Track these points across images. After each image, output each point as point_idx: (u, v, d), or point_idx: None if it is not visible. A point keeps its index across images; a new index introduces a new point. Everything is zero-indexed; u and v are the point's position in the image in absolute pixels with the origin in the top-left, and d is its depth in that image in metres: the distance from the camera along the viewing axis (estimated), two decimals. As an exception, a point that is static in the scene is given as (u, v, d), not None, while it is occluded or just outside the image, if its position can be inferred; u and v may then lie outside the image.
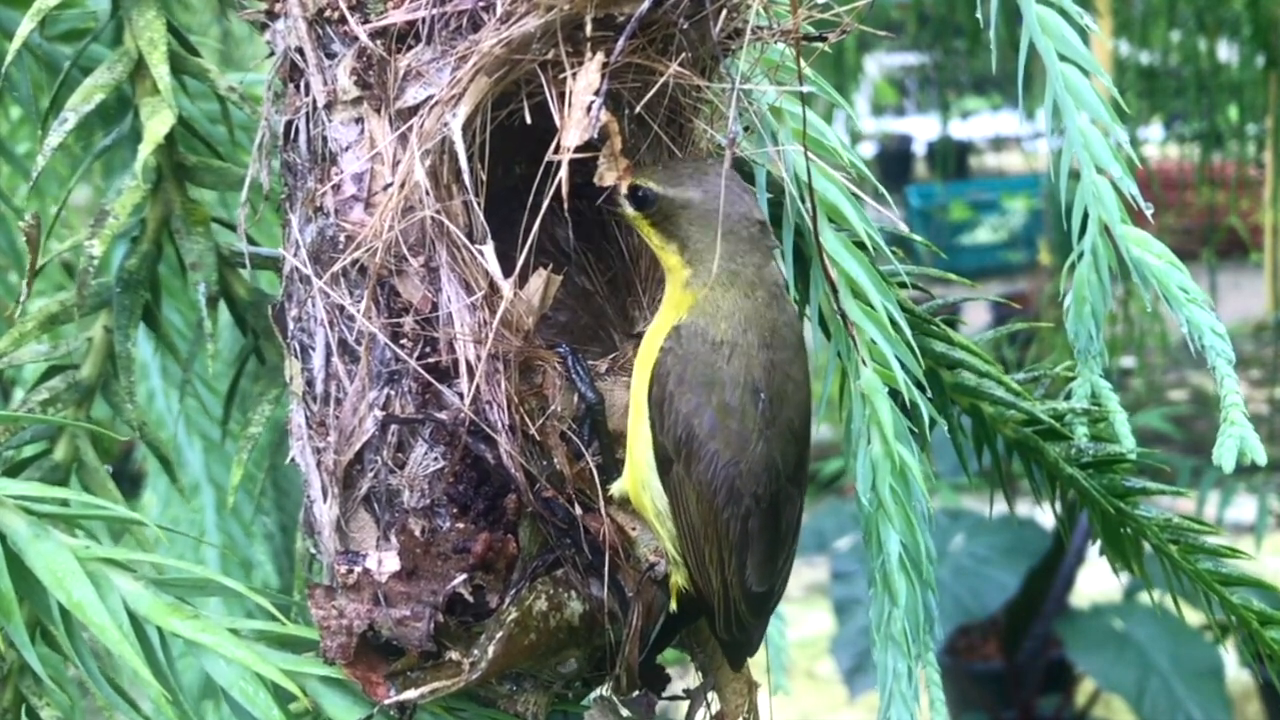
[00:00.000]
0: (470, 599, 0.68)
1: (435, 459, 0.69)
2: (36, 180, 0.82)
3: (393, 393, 0.69)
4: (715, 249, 0.68)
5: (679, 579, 0.72)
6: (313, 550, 0.76)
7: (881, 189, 0.81)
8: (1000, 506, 0.93)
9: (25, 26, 0.80)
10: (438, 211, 0.67)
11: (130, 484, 1.77)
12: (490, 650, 0.68)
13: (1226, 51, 3.29)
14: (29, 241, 0.77)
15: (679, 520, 0.69)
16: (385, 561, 0.69)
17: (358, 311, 0.69)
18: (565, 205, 0.65)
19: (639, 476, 0.70)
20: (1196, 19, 3.13)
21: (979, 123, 7.40)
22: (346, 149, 0.69)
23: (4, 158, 1.28)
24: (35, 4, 0.80)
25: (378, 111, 0.68)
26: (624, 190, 0.70)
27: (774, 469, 0.69)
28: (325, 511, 0.72)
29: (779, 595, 0.73)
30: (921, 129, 8.42)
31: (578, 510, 0.71)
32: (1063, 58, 0.78)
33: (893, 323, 0.77)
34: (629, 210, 0.71)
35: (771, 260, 0.70)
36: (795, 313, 0.72)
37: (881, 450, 0.77)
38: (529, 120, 0.68)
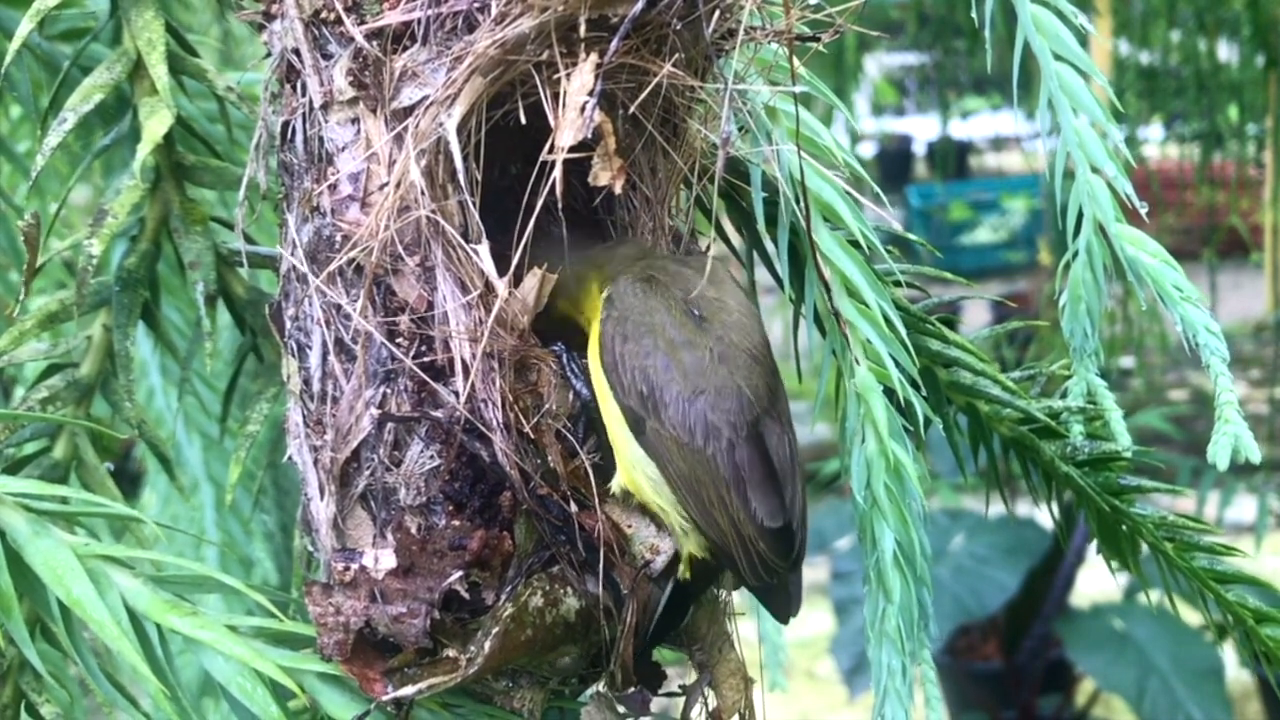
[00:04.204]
0: (466, 596, 0.69)
1: (431, 457, 0.69)
2: (36, 179, 0.82)
3: (389, 391, 0.69)
4: (569, 268, 0.73)
5: (691, 547, 0.71)
6: (310, 548, 0.77)
7: (877, 188, 0.81)
8: (997, 505, 0.93)
9: (25, 26, 0.81)
10: (433, 211, 0.68)
11: (130, 482, 1.77)
12: (486, 646, 0.68)
13: (1226, 51, 3.29)
14: (28, 240, 0.77)
15: (670, 477, 0.69)
16: (382, 559, 0.69)
17: (354, 310, 0.69)
18: (560, 205, 0.65)
19: (625, 457, 0.71)
20: (1196, 19, 3.13)
21: (979, 123, 7.40)
22: (343, 149, 0.69)
23: (5, 156, 1.28)
24: (35, 3, 0.81)
25: (374, 112, 0.68)
26: None
27: (743, 395, 0.69)
28: (322, 509, 0.72)
29: (801, 538, 0.72)
30: (921, 129, 8.42)
31: (572, 507, 0.71)
32: (1058, 57, 0.78)
33: (887, 321, 0.78)
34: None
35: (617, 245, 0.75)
36: (676, 256, 0.76)
37: (876, 448, 0.77)
38: (524, 120, 0.68)
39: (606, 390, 0.71)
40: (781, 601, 0.74)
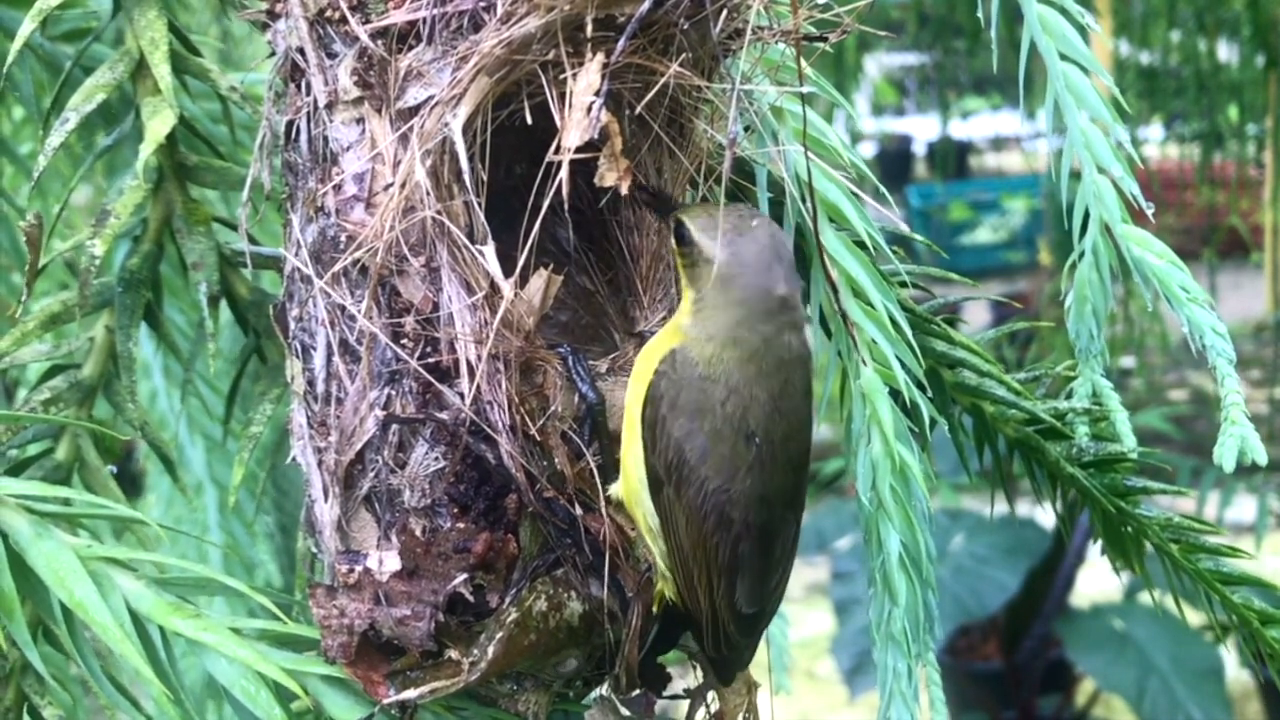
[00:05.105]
0: (471, 599, 0.68)
1: (436, 459, 0.69)
2: (39, 180, 0.82)
3: (394, 392, 0.69)
4: (722, 313, 0.67)
5: (666, 590, 0.72)
6: (314, 550, 0.76)
7: (882, 189, 0.81)
8: (1000, 506, 0.93)
9: (27, 26, 0.80)
10: (438, 212, 0.67)
11: (132, 484, 1.77)
12: (490, 650, 0.68)
13: (1226, 51, 3.29)
14: (30, 241, 0.77)
15: (669, 539, 0.69)
16: (386, 561, 0.69)
17: (359, 311, 0.69)
18: (566, 205, 0.65)
19: (632, 491, 0.71)
20: (1196, 19, 3.13)
21: (979, 123, 7.41)
22: (347, 149, 0.69)
23: (7, 157, 1.28)
24: (37, 4, 0.80)
25: (379, 111, 0.68)
26: (671, 222, 0.70)
27: (766, 499, 0.69)
28: (326, 511, 0.72)
29: (770, 615, 0.73)
30: (921, 129, 8.43)
31: (578, 510, 0.71)
32: (1064, 57, 0.78)
33: (893, 322, 0.78)
34: (670, 239, 0.71)
35: (788, 332, 0.68)
36: (807, 383, 0.71)
37: (881, 450, 0.77)
38: (529, 121, 0.68)
39: (637, 433, 0.69)
40: (728, 669, 0.75)
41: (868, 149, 5.47)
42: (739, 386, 0.67)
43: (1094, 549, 0.91)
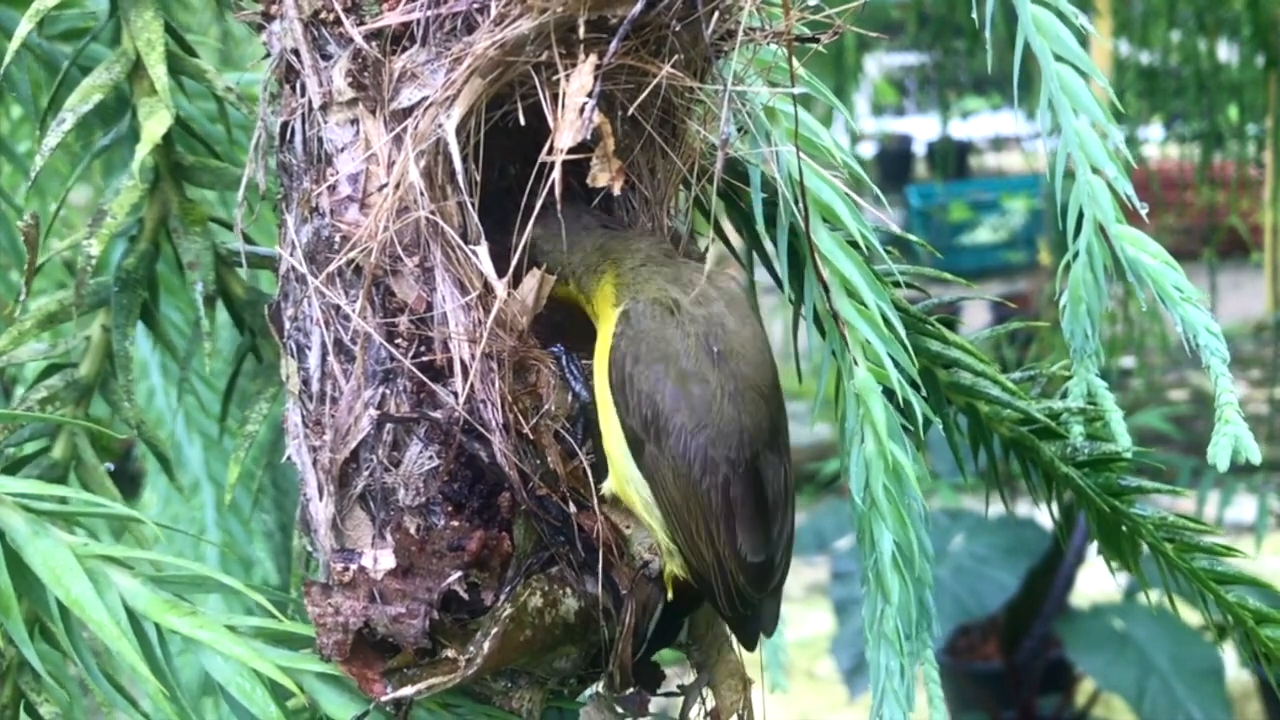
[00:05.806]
0: (465, 596, 0.69)
1: (430, 457, 0.69)
2: (36, 179, 0.82)
3: (388, 392, 0.69)
4: (577, 251, 0.73)
5: (674, 568, 0.72)
6: (309, 548, 0.77)
7: (876, 189, 0.81)
8: (997, 506, 0.93)
9: (24, 26, 0.81)
10: (432, 212, 0.68)
11: (130, 482, 1.77)
12: (485, 647, 0.68)
13: (1226, 51, 3.29)
14: (28, 240, 0.77)
15: (662, 502, 0.69)
16: (381, 559, 0.69)
17: (353, 311, 0.69)
18: (559, 206, 0.65)
19: (619, 472, 0.71)
20: (1196, 19, 3.13)
21: (979, 123, 7.41)
22: (342, 150, 0.69)
23: (4, 156, 1.29)
24: (34, 4, 0.81)
25: (373, 113, 0.68)
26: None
27: (745, 432, 0.69)
28: (321, 509, 0.72)
29: (782, 570, 0.72)
30: (921, 129, 8.43)
31: (571, 508, 0.71)
32: (1058, 58, 0.78)
33: (886, 322, 0.78)
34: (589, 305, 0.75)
35: (631, 237, 0.74)
36: (694, 264, 0.74)
37: (875, 449, 0.77)
38: (523, 122, 0.68)
39: (609, 404, 0.70)
40: (751, 630, 0.74)
41: (868, 149, 5.47)
42: (678, 299, 0.70)
43: (1094, 548, 0.91)
